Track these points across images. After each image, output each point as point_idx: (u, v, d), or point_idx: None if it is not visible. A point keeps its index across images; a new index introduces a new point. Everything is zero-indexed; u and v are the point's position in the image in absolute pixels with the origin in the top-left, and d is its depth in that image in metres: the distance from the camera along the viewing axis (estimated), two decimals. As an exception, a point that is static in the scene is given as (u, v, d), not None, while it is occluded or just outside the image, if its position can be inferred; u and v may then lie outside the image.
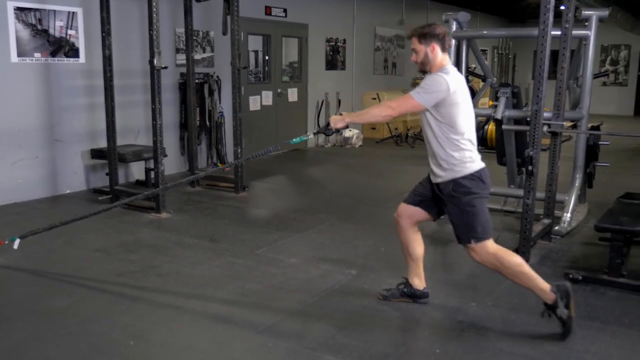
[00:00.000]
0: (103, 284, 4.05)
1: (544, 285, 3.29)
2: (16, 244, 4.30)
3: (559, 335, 3.29)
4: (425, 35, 3.34)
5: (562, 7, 4.79)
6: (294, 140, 3.70)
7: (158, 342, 3.26)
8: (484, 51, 16.83)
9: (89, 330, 3.35)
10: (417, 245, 3.63)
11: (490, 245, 3.34)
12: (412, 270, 3.68)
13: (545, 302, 3.30)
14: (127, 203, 5.97)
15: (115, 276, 4.17)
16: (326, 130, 3.52)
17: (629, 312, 3.67)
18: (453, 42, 5.95)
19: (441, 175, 3.37)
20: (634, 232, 4.00)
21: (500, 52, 17.57)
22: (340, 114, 3.52)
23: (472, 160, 3.33)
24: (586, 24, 5.32)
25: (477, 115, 5.94)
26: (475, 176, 3.31)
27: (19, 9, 6.07)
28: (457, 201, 3.33)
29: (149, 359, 3.12)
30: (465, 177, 3.30)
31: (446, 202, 3.40)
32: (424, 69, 3.40)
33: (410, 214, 3.58)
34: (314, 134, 3.70)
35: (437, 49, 3.33)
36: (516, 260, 3.34)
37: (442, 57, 3.35)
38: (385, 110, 3.36)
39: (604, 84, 17.57)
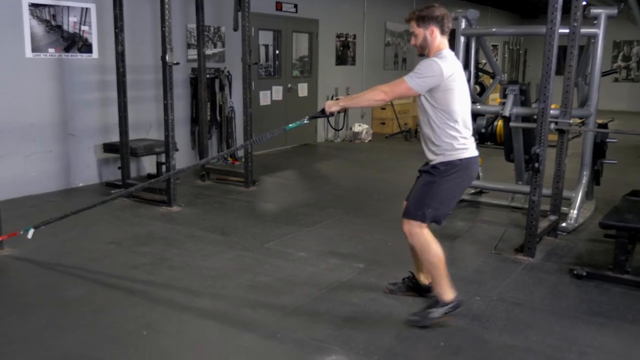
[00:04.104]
0: (116, 276, 4.14)
1: (448, 287, 3.40)
2: (30, 233, 4.40)
3: (409, 321, 3.41)
4: (424, 18, 3.29)
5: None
6: (289, 125, 3.75)
7: (169, 333, 3.34)
8: (494, 47, 16.81)
9: (103, 321, 3.45)
10: None
11: (424, 226, 3.36)
12: (418, 265, 3.75)
13: (439, 297, 3.39)
14: (135, 194, 6.09)
15: (128, 268, 4.27)
16: (321, 114, 3.54)
17: (632, 308, 3.71)
18: (462, 39, 5.99)
19: (433, 158, 3.37)
20: (639, 229, 4.03)
21: (511, 47, 17.55)
22: (337, 99, 3.54)
23: (464, 147, 3.31)
24: (595, 22, 5.34)
25: (485, 112, 6.05)
26: (461, 161, 3.29)
27: (34, 5, 6.16)
28: (429, 177, 3.33)
29: (161, 348, 3.20)
30: (450, 162, 3.29)
31: (422, 176, 3.41)
32: (423, 52, 3.36)
33: None
34: (309, 118, 3.70)
35: (436, 32, 3.28)
36: (439, 252, 3.37)
37: (440, 41, 3.30)
38: (378, 94, 3.31)
39: (616, 80, 17.50)
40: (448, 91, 3.22)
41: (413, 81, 3.21)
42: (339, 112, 3.52)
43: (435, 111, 3.27)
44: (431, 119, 3.30)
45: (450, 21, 3.35)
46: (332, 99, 10.59)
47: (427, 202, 3.32)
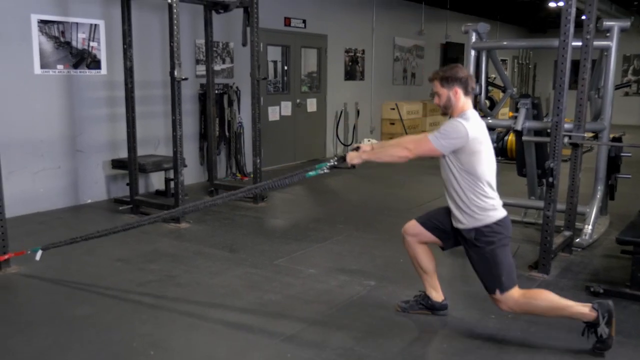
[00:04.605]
0: (123, 293, 4.09)
1: (581, 308, 3.20)
2: (38, 255, 4.36)
3: (594, 352, 3.22)
4: (448, 78, 3.27)
5: (584, 17, 4.76)
6: (309, 173, 3.64)
7: (177, 352, 3.27)
8: (503, 61, 16.77)
9: (110, 339, 3.38)
10: (427, 259, 3.60)
11: (516, 291, 3.26)
12: (427, 282, 3.67)
13: (588, 322, 3.21)
14: (143, 211, 6.06)
15: (135, 286, 4.21)
16: (342, 164, 3.49)
17: (652, 326, 3.62)
18: (473, 52, 5.94)
19: (462, 221, 3.32)
20: (657, 245, 3.93)
21: (520, 62, 17.52)
22: (357, 147, 3.49)
23: (494, 208, 3.27)
24: (607, 34, 5.28)
25: (497, 127, 5.98)
26: (498, 225, 3.26)
27: (43, 22, 6.18)
28: (480, 250, 3.28)
29: (168, 368, 3.14)
30: (487, 226, 3.25)
31: (468, 248, 3.37)
32: (446, 112, 3.35)
33: (417, 232, 3.55)
34: (330, 168, 3.60)
35: (460, 92, 3.26)
36: (544, 296, 3.25)
37: (464, 102, 3.28)
38: (401, 151, 3.29)
39: (626, 94, 17.37)
40: (474, 154, 3.20)
41: (438, 142, 3.19)
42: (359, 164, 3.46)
43: (460, 173, 3.24)
44: (456, 180, 3.27)
45: (474, 82, 3.34)
46: (340, 115, 10.68)
47: (495, 273, 3.26)
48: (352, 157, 3.42)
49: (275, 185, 3.76)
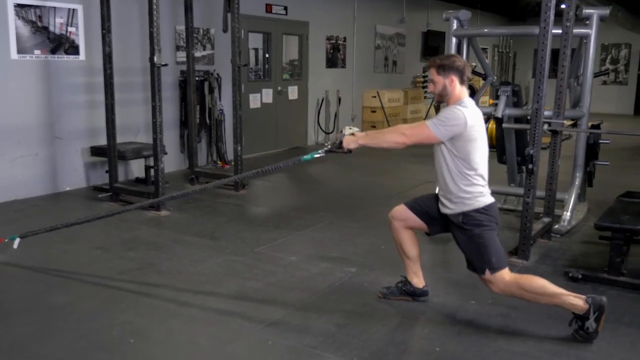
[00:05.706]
0: (103, 281, 4.05)
1: (574, 300, 3.19)
2: (16, 243, 4.29)
3: (575, 338, 3.24)
4: (444, 66, 3.28)
5: (563, 6, 4.79)
6: (305, 157, 3.64)
7: (158, 340, 3.25)
8: (484, 49, 16.81)
9: (89, 327, 3.35)
10: (412, 245, 3.62)
11: (507, 273, 3.27)
12: (410, 268, 3.69)
13: (578, 314, 3.21)
14: (123, 199, 6.04)
15: (116, 274, 4.17)
16: (338, 149, 3.48)
17: (629, 310, 3.67)
18: (454, 40, 5.95)
19: (450, 207, 3.35)
20: (634, 230, 3.99)
21: (500, 50, 17.59)
22: (352, 134, 3.46)
23: (482, 194, 3.30)
24: (587, 22, 5.32)
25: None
26: (485, 210, 3.29)
27: (19, 6, 6.05)
28: (468, 233, 3.31)
29: (149, 356, 3.12)
30: (475, 210, 3.28)
31: (455, 231, 3.39)
32: (442, 100, 3.37)
33: (405, 217, 3.57)
34: (326, 152, 3.59)
35: (456, 81, 3.27)
36: (536, 282, 3.25)
37: (460, 90, 3.29)
38: (398, 137, 3.28)
39: (604, 82, 17.56)
40: (470, 141, 3.22)
41: (437, 129, 3.19)
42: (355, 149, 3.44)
43: (455, 160, 3.26)
44: (449, 167, 3.29)
45: (470, 71, 3.34)
46: (321, 103, 10.66)
47: (484, 253, 3.27)
48: (349, 142, 3.40)
49: (270, 169, 3.77)
